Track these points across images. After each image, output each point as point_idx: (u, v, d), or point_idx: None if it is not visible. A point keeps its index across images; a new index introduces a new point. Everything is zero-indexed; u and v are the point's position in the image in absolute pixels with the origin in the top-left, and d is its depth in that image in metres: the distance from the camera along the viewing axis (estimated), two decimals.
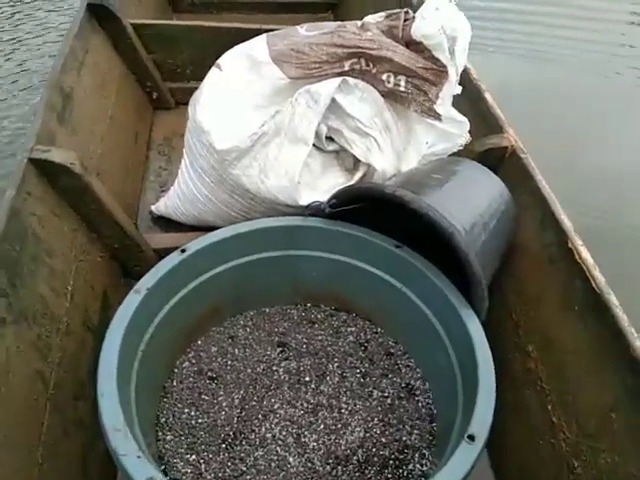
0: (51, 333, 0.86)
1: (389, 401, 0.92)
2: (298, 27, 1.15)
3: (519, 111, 1.52)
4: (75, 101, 1.19)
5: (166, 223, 1.33)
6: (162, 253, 1.16)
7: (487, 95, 1.31)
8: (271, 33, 1.14)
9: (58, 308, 0.90)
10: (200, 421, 0.87)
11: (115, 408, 0.66)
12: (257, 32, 1.51)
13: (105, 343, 0.73)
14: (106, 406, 0.66)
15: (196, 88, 1.23)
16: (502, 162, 1.17)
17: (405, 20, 1.05)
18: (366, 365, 0.98)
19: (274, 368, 0.96)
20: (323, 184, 1.11)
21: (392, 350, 1.01)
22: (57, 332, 0.87)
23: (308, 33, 1.11)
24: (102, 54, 1.44)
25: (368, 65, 1.05)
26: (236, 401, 0.90)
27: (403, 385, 0.95)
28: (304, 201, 1.06)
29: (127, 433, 0.63)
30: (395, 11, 1.08)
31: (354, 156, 1.11)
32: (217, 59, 1.19)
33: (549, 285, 0.97)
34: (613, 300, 0.82)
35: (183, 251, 0.90)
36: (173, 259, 0.88)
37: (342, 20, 2.28)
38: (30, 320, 0.82)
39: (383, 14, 1.10)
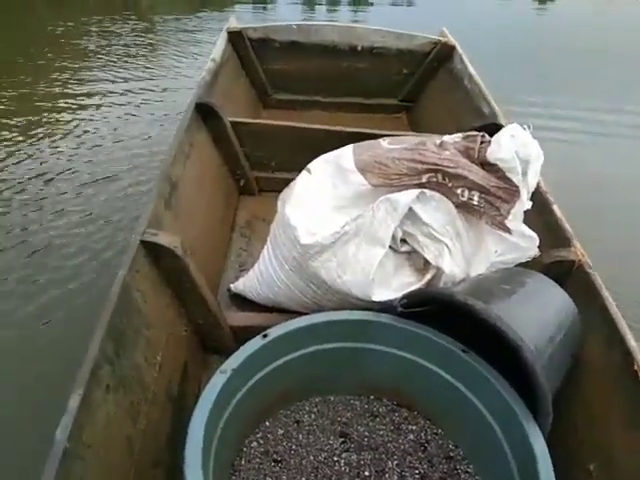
0: (141, 401, 0.95)
1: None
2: (381, 140, 1.28)
3: None
4: (180, 189, 1.36)
5: (241, 301, 1.44)
6: (236, 330, 1.26)
7: (555, 207, 1.38)
8: (357, 144, 1.28)
9: (148, 377, 1.00)
10: None
11: None
12: (338, 134, 1.68)
13: (194, 418, 0.81)
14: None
15: (279, 179, 1.38)
16: (569, 275, 1.20)
17: (482, 143, 1.16)
18: (425, 467, 1.00)
19: (335, 458, 1.00)
20: (395, 282, 1.18)
21: (452, 454, 1.02)
22: (145, 400, 0.96)
23: (391, 146, 1.24)
24: (204, 148, 1.64)
25: (444, 179, 1.15)
26: None
27: None
28: (376, 297, 1.14)
29: None
30: (472, 134, 1.20)
31: (425, 258, 1.19)
32: (300, 154, 1.35)
33: (614, 404, 0.97)
34: None
35: (265, 336, 0.98)
36: (256, 343, 0.97)
37: (414, 121, 2.48)
38: (127, 388, 0.91)
39: (461, 135, 1.22)
